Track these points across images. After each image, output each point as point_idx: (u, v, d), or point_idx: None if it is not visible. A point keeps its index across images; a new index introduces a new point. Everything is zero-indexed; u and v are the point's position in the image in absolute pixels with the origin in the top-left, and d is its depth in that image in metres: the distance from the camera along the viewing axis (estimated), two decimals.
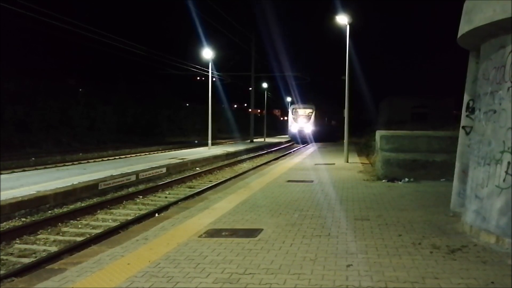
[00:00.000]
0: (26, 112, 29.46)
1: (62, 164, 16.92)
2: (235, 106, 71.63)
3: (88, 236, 7.58)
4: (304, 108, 40.77)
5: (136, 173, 13.67)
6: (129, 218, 8.98)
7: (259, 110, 65.31)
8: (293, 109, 41.47)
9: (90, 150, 25.73)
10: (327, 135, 41.35)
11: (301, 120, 39.61)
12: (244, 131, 46.35)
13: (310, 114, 39.60)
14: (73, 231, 8.03)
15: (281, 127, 71.02)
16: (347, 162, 16.30)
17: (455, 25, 6.05)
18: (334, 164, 15.78)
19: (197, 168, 17.68)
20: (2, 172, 13.38)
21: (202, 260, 4.60)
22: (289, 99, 53.69)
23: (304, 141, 37.01)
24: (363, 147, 23.29)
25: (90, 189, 11.18)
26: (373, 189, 9.56)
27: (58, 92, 33.16)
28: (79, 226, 8.48)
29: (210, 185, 13.18)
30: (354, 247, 5.00)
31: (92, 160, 19.15)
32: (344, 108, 17.45)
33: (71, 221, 8.69)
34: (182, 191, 12.78)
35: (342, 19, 16.58)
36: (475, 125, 5.92)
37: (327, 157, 18.78)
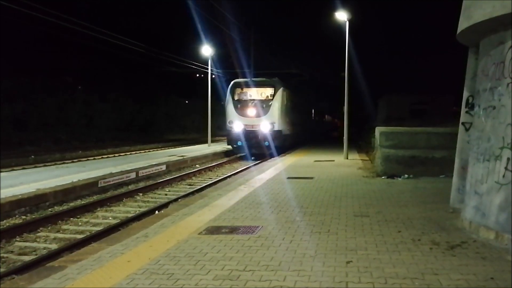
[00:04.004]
0: (24, 110, 29.43)
1: (61, 162, 16.91)
2: None
3: (88, 233, 7.59)
4: (257, 85, 21.57)
5: (136, 170, 13.67)
6: (129, 215, 8.99)
7: None
8: (234, 88, 21.67)
9: (89, 148, 25.71)
10: (313, 138, 27.99)
11: (250, 111, 20.64)
12: None
13: (270, 98, 20.89)
14: (73, 229, 8.04)
15: None
16: (347, 158, 16.32)
17: (455, 22, 6.04)
18: (333, 160, 15.79)
19: (196, 165, 17.69)
20: (1, 170, 13.37)
21: (202, 257, 4.60)
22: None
23: (257, 152, 20.40)
24: (362, 144, 23.31)
25: (90, 186, 11.18)
26: (372, 186, 9.57)
27: (55, 90, 33.11)
28: (79, 223, 8.48)
29: (210, 182, 13.18)
30: (353, 244, 5.01)
31: (92, 158, 19.14)
32: (344, 105, 17.47)
33: (71, 218, 8.70)
34: (182, 188, 12.79)
35: (342, 16, 16.62)
36: (474, 121, 5.92)
37: (327, 154, 18.79)
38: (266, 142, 20.04)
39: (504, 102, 5.02)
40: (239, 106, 20.97)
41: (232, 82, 22.45)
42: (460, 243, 4.96)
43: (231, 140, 21.17)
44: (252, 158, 20.41)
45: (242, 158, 20.96)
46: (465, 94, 6.55)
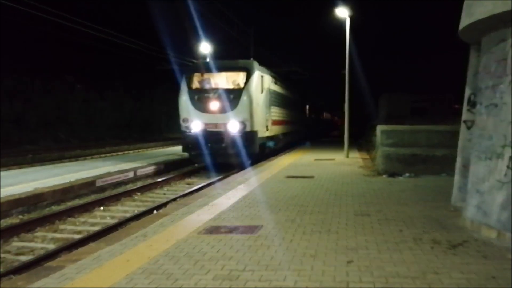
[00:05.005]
0: (24, 108, 29.44)
1: (60, 161, 16.88)
2: None
3: (86, 233, 7.55)
4: (224, 69, 16.07)
5: (134, 169, 13.64)
6: (128, 215, 8.95)
7: None
8: (192, 72, 16.20)
9: (89, 147, 25.68)
10: (306, 140, 24.08)
11: (213, 105, 15.03)
12: None
13: (240, 86, 15.34)
14: (71, 229, 8.01)
15: None
16: (347, 157, 16.29)
17: (455, 22, 6.00)
18: (334, 159, 15.75)
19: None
20: (0, 169, 13.33)
21: (202, 256, 4.57)
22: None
23: (223, 161, 15.25)
24: (363, 143, 23.31)
25: (88, 186, 11.15)
26: (373, 184, 9.54)
27: (55, 89, 33.13)
28: (77, 223, 8.45)
29: (209, 181, 13.13)
30: (354, 243, 4.97)
31: (90, 157, 19.10)
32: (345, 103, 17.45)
33: (69, 218, 8.67)
34: (180, 187, 12.76)
35: (342, 12, 16.59)
36: (476, 119, 5.88)
37: (327, 152, 18.76)
38: (235, 148, 14.69)
39: (506, 100, 4.98)
40: (197, 97, 15.07)
41: (192, 65, 17.01)
42: (462, 242, 4.93)
43: (186, 145, 15.43)
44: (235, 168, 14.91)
45: (200, 171, 15.72)
46: (467, 92, 6.51)
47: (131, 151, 22.85)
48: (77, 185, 10.71)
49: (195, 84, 15.72)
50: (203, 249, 4.82)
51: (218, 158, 15.10)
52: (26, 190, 9.40)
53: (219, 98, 14.91)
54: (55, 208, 9.38)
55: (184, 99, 15.31)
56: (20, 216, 8.61)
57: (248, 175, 11.50)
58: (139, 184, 12.67)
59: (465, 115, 6.56)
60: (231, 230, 5.66)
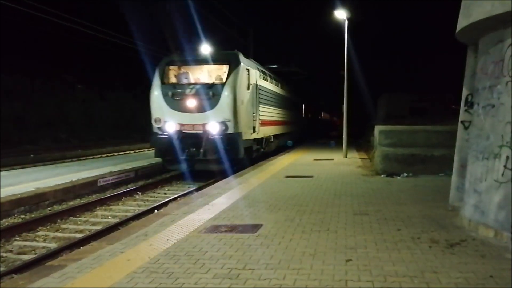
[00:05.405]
0: (24, 108, 29.47)
1: (61, 161, 16.92)
2: None
3: (87, 232, 7.59)
4: (204, 62, 13.94)
5: (135, 169, 13.68)
6: (129, 214, 9.00)
7: None
8: (167, 66, 13.83)
9: (89, 147, 25.69)
10: (302, 141, 22.73)
11: (189, 102, 12.84)
12: None
13: (221, 82, 13.14)
14: (72, 228, 8.05)
15: None
16: (346, 157, 16.32)
17: (455, 22, 6.03)
18: (333, 159, 15.78)
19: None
20: (1, 169, 13.36)
21: (202, 255, 4.61)
22: None
23: (202, 168, 13.12)
24: (362, 143, 23.33)
25: (90, 185, 11.19)
26: (372, 184, 9.58)
27: (55, 89, 33.17)
28: (79, 222, 8.50)
29: (209, 181, 13.16)
30: (353, 242, 5.01)
31: (91, 157, 19.14)
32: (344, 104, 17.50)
33: (71, 217, 8.72)
34: (181, 187, 12.79)
35: (341, 14, 16.65)
36: (473, 119, 5.92)
37: (326, 153, 18.79)
38: (216, 153, 12.63)
39: (503, 100, 5.02)
40: (171, 94, 12.97)
41: (165, 59, 14.32)
42: (460, 241, 4.97)
43: (158, 148, 13.27)
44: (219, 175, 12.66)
45: (175, 180, 13.76)
46: (464, 93, 6.54)
47: (132, 151, 22.91)
48: (78, 185, 10.76)
49: (170, 79, 13.72)
50: (203, 248, 4.86)
51: (196, 164, 13.07)
52: (28, 190, 9.44)
53: (196, 94, 12.88)
54: (57, 208, 9.43)
55: (157, 95, 13.20)
56: (22, 216, 8.65)
57: (248, 174, 11.53)
58: (140, 183, 12.73)
59: (462, 116, 6.59)
60: (231, 229, 5.69)
